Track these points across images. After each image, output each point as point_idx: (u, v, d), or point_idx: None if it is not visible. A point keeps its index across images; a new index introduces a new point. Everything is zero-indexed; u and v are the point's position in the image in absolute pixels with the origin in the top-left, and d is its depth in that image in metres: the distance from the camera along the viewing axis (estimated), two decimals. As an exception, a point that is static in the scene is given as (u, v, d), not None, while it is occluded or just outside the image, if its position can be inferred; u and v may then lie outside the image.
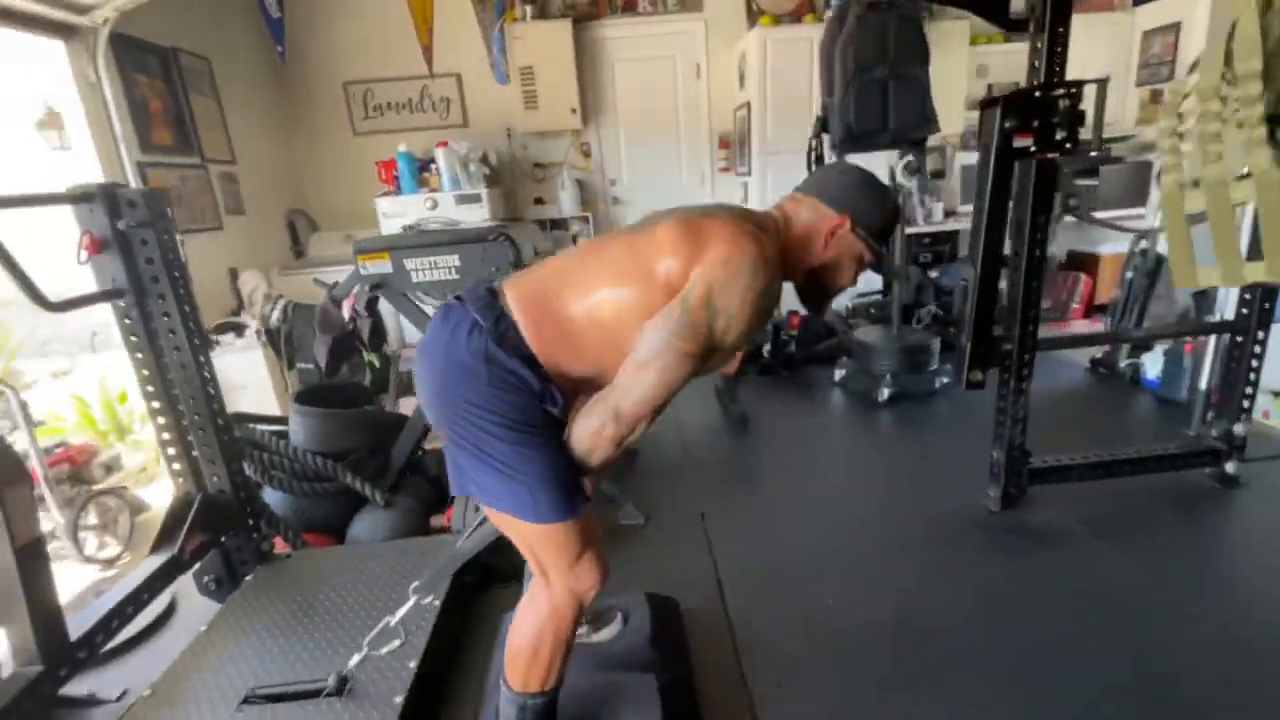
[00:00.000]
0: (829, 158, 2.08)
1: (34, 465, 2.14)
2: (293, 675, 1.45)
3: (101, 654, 1.79)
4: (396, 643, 1.35)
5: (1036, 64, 1.66)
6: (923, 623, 1.66)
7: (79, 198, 1.51)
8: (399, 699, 1.33)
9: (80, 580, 2.20)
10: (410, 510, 2.13)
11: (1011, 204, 1.79)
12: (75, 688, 1.61)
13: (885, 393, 3.16)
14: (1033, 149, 1.66)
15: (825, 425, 3.12)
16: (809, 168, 2.17)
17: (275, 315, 2.38)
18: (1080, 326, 4.21)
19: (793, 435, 2.98)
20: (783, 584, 1.86)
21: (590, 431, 1.00)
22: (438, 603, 1.62)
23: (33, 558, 1.23)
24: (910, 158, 3.92)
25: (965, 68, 4.08)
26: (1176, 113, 1.00)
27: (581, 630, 1.55)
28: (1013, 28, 1.73)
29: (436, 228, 2.37)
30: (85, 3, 2.17)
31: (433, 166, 3.79)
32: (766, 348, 3.83)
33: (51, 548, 2.36)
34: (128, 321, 1.65)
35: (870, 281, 4.29)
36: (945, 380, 3.23)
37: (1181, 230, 0.94)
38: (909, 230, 4.11)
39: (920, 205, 4.34)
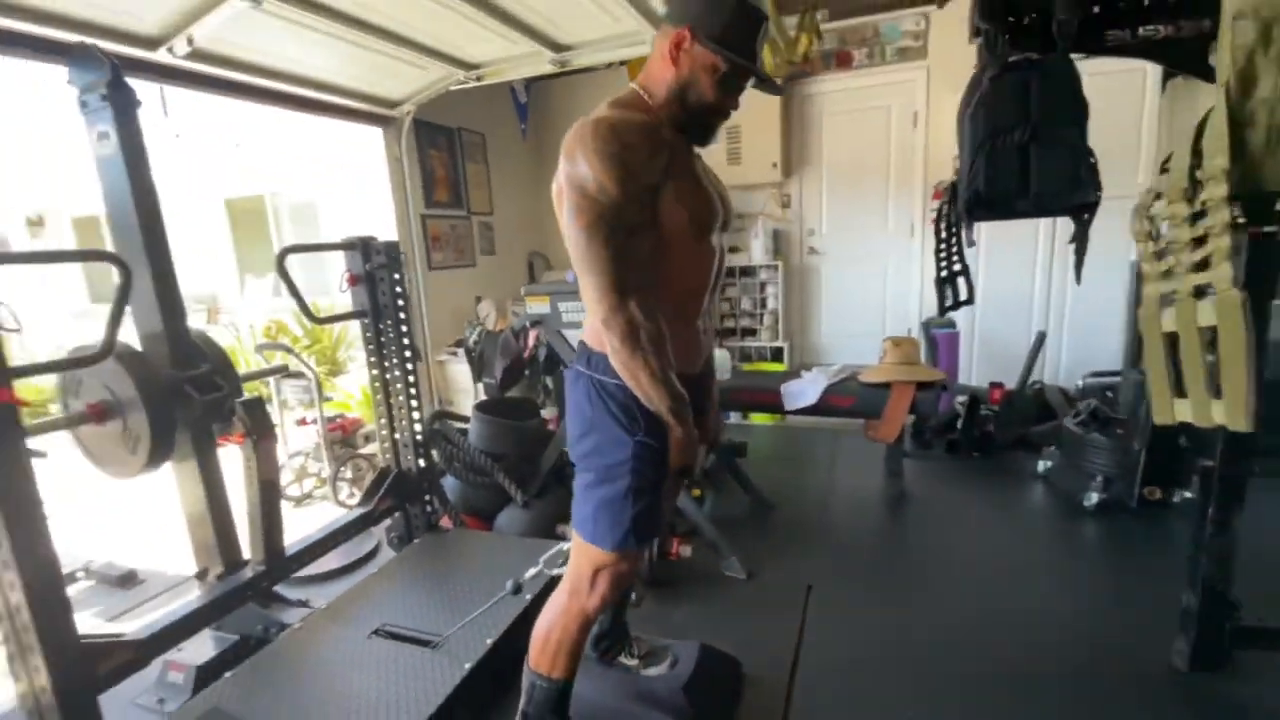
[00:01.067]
0: (962, 228, 1.88)
1: (318, 428, 2.99)
2: (412, 623, 1.82)
3: (325, 574, 2.47)
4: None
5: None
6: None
7: (346, 245, 2.15)
8: (468, 665, 1.60)
9: (331, 516, 2.99)
10: (543, 514, 2.47)
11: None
12: (297, 593, 2.24)
13: (1094, 498, 2.60)
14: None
15: (1003, 522, 2.68)
16: (937, 235, 1.98)
17: (472, 338, 2.97)
18: None
19: (956, 526, 2.63)
20: (865, 683, 1.71)
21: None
22: None
23: (269, 492, 1.80)
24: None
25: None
26: (1147, 215, 0.76)
27: (633, 663, 1.66)
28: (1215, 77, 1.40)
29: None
30: (395, 99, 3.03)
31: (635, 219, 4.26)
32: (959, 423, 3.42)
33: (319, 491, 3.27)
34: (368, 335, 2.27)
35: (1102, 352, 3.54)
36: (1188, 495, 2.53)
37: (1160, 351, 0.69)
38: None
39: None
